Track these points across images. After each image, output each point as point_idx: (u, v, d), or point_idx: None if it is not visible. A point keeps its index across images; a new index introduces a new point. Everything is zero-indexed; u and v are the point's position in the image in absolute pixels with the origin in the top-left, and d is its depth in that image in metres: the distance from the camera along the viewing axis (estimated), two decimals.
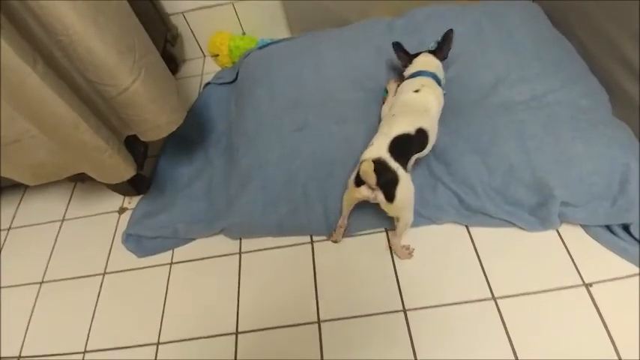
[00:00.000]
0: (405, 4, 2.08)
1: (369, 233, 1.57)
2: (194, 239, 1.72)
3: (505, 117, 1.60)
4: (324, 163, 1.65)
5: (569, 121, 1.52)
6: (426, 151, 1.45)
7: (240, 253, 1.64)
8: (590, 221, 1.41)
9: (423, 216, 1.55)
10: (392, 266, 1.48)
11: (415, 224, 1.46)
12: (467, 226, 1.52)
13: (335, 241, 1.55)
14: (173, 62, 2.47)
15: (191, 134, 2.07)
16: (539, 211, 1.46)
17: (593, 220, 1.41)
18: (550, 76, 1.68)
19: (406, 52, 1.65)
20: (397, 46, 1.64)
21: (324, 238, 1.60)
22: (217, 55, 2.41)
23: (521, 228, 1.46)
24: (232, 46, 2.34)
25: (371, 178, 1.20)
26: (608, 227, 1.40)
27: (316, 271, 1.52)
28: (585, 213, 1.41)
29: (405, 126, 1.34)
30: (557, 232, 1.45)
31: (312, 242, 1.61)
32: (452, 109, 1.64)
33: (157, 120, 1.44)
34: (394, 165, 1.25)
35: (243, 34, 2.38)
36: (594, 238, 1.40)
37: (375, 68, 1.90)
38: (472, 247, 1.47)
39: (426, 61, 1.59)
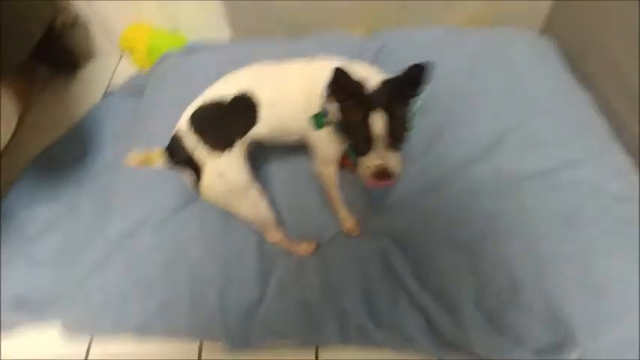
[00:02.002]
0: (383, 17, 1.60)
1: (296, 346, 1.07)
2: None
3: (503, 199, 1.11)
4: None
5: (596, 217, 1.04)
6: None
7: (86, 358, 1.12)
8: None
9: (369, 339, 1.02)
10: None
11: (357, 346, 1.04)
12: None
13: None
14: (68, 57, 1.90)
15: (65, 158, 1.51)
16: (549, 354, 0.95)
17: None
18: (569, 139, 1.21)
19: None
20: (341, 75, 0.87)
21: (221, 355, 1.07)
22: (131, 51, 1.82)
23: None
24: (152, 46, 1.76)
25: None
26: None
27: None
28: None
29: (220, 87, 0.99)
30: None
31: (200, 351, 1.09)
32: (425, 177, 1.16)
33: None
34: (191, 143, 0.93)
35: (172, 30, 1.86)
36: None
37: None
38: None
39: None
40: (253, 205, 1.04)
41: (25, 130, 1.64)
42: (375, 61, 1.50)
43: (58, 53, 1.86)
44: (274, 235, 1.12)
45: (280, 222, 1.15)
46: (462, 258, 1.05)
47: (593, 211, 1.06)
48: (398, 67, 1.41)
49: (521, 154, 1.18)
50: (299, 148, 1.14)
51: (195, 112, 0.96)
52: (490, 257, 1.03)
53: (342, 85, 0.87)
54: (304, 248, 1.14)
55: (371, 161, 0.87)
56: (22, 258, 1.24)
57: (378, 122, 0.84)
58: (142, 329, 1.07)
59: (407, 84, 0.87)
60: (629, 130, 1.26)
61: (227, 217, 1.18)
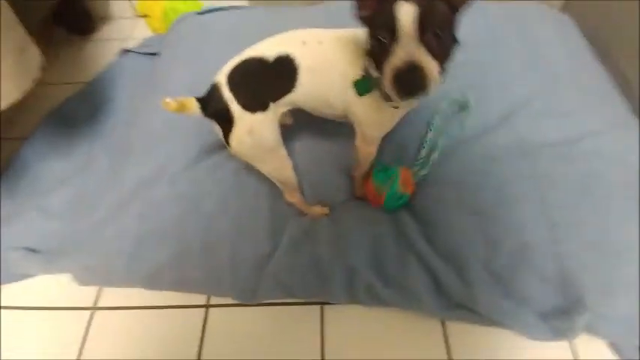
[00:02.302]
0: None
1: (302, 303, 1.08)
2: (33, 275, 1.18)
3: (521, 165, 1.09)
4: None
5: (616, 186, 1.03)
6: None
7: (94, 309, 1.12)
8: (627, 340, 0.96)
9: (377, 298, 1.01)
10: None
11: (364, 304, 1.03)
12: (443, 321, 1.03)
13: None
14: (85, 20, 1.91)
15: (79, 115, 1.51)
16: (555, 318, 0.94)
17: (631, 339, 0.95)
18: (589, 111, 1.19)
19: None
20: None
21: (229, 302, 1.08)
22: (147, 16, 1.81)
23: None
24: (168, 7, 1.76)
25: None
26: None
27: (203, 346, 1.03)
28: (621, 328, 0.96)
29: (262, 48, 0.93)
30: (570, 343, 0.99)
31: (207, 306, 1.09)
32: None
33: None
34: (227, 96, 0.90)
35: None
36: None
37: None
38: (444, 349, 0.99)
39: None
40: (279, 166, 1.03)
41: (40, 89, 1.65)
42: None
43: (76, 16, 1.87)
44: (293, 196, 1.11)
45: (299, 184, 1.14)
46: (474, 221, 1.04)
47: (611, 180, 1.04)
48: None
49: (542, 123, 1.17)
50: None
51: (234, 67, 0.93)
52: (502, 221, 1.02)
53: None
54: (318, 211, 1.14)
55: (396, 58, 0.69)
56: (35, 210, 1.24)
57: (406, 9, 0.68)
58: (154, 280, 1.08)
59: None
60: None
61: (240, 173, 1.18)
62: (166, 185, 1.17)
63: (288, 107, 0.99)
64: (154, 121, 1.29)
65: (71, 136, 1.45)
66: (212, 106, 0.91)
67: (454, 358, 0.98)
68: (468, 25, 1.38)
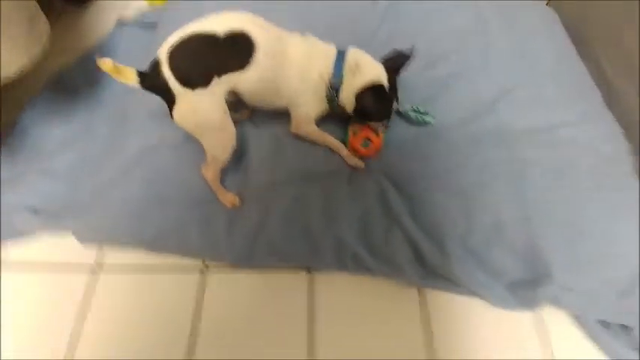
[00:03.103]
0: None
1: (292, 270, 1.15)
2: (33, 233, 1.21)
3: (501, 149, 1.17)
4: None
5: (587, 172, 1.11)
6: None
7: (94, 269, 1.16)
8: (588, 312, 1.05)
9: (363, 266, 1.09)
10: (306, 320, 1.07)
11: (351, 272, 1.11)
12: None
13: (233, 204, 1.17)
14: None
15: (78, 83, 1.52)
16: (522, 289, 1.04)
17: (592, 312, 1.05)
18: (567, 102, 1.27)
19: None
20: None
21: (226, 265, 1.15)
22: None
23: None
24: None
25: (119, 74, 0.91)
26: (604, 323, 1.04)
27: (201, 309, 1.09)
28: (584, 301, 1.05)
29: (209, 24, 0.96)
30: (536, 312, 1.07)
31: (205, 270, 1.15)
32: (427, 126, 1.20)
33: None
34: (167, 72, 0.92)
35: None
36: (584, 331, 1.05)
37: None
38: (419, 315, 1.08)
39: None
40: (221, 143, 1.07)
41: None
42: (388, 16, 1.52)
43: None
44: (213, 172, 1.13)
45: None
46: (455, 200, 1.12)
47: (584, 167, 1.13)
48: (406, 24, 1.47)
49: (523, 111, 1.25)
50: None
51: (176, 43, 0.92)
52: (480, 200, 1.11)
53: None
54: (229, 199, 1.16)
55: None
56: (37, 172, 1.27)
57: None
58: (157, 243, 1.13)
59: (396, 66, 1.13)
60: (623, 100, 1.31)
61: None
62: (170, 152, 1.21)
63: (228, 88, 1.01)
64: None
65: (70, 103, 1.46)
66: (150, 80, 0.93)
67: (432, 326, 1.06)
68: (457, 16, 1.46)
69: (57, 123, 1.42)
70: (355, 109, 1.12)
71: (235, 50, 0.96)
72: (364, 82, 1.08)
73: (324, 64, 1.10)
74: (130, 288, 1.13)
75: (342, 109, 1.16)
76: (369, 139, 1.18)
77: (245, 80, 1.01)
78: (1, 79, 1.02)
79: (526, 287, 1.03)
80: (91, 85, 1.51)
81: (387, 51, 1.32)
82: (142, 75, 0.93)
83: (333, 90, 1.11)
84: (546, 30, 1.49)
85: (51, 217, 1.18)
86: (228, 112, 1.03)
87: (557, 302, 1.05)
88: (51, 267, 1.16)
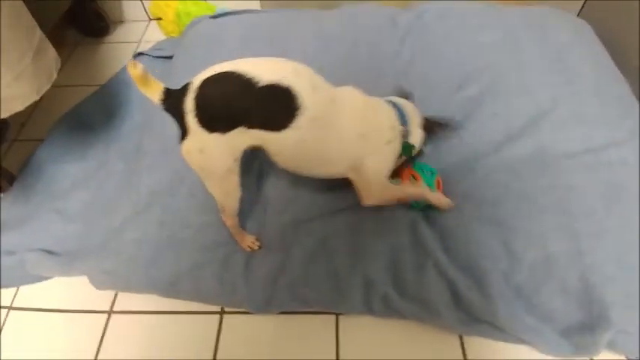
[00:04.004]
0: None
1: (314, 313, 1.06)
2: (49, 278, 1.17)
3: (544, 176, 1.06)
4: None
5: None
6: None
7: (110, 312, 1.11)
8: None
9: (394, 309, 0.99)
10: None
11: (381, 316, 1.01)
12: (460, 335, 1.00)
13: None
14: (98, 22, 1.90)
15: (94, 118, 1.50)
16: (578, 334, 0.91)
17: None
18: (613, 120, 1.16)
19: None
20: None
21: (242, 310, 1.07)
22: (160, 19, 1.80)
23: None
24: (181, 10, 1.75)
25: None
26: None
27: (217, 352, 1.02)
28: None
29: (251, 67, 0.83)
30: None
31: (222, 313, 1.08)
32: (460, 152, 1.12)
33: None
34: (189, 104, 0.82)
35: None
36: None
37: (366, 76, 1.31)
38: None
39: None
40: (223, 192, 0.97)
41: (54, 91, 1.65)
42: (409, 33, 1.46)
43: (89, 18, 1.87)
44: (227, 220, 1.05)
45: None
46: (494, 232, 1.02)
47: (636, 191, 1.01)
48: (430, 43, 1.41)
49: (564, 132, 1.13)
50: None
51: (211, 76, 0.83)
52: (524, 232, 1.00)
53: None
54: (248, 242, 1.09)
55: None
56: (50, 212, 1.24)
57: None
58: (172, 288, 1.06)
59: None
60: None
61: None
62: (186, 193, 1.15)
63: (254, 144, 0.90)
64: (168, 125, 1.28)
65: (86, 138, 1.44)
66: (173, 103, 0.84)
67: None
68: (484, 32, 1.38)
69: (72, 159, 1.40)
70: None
71: (274, 105, 0.84)
72: (421, 118, 1.06)
73: (389, 115, 1.00)
74: (145, 328, 1.07)
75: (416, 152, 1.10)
76: (413, 177, 1.10)
77: (278, 142, 0.88)
78: (9, 111, 1.00)
79: (582, 332, 0.91)
80: (108, 119, 1.49)
81: (411, 72, 1.26)
82: (168, 93, 0.85)
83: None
84: (581, 42, 1.38)
85: (65, 260, 1.13)
86: (239, 161, 0.92)
87: (612, 346, 0.93)
88: (67, 310, 1.12)
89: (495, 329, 0.94)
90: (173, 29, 1.82)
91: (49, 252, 1.16)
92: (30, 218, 1.24)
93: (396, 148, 1.01)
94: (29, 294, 1.16)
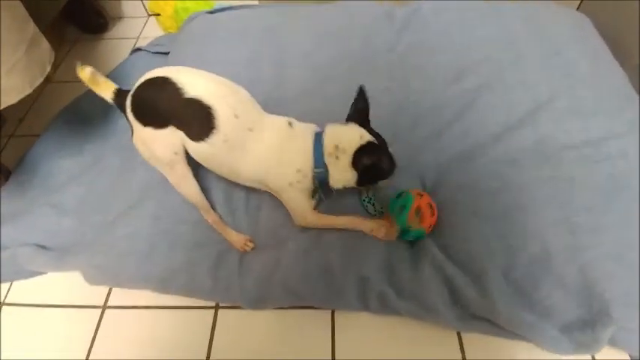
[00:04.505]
0: None
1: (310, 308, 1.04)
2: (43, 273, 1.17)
3: (543, 168, 1.03)
4: None
5: None
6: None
7: (104, 307, 1.11)
8: None
9: (390, 307, 0.97)
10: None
11: (376, 313, 0.99)
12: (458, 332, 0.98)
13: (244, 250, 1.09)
14: (97, 18, 1.91)
15: (91, 113, 1.49)
16: (578, 331, 0.89)
17: None
18: (612, 113, 1.15)
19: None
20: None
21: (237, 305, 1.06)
22: (159, 15, 1.80)
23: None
24: (179, 6, 1.74)
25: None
26: None
27: (212, 347, 1.01)
28: None
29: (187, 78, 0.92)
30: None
31: (216, 308, 1.07)
32: (457, 145, 1.10)
33: None
34: (128, 100, 0.96)
35: None
36: None
37: (361, 71, 1.31)
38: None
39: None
40: (176, 181, 1.04)
41: (51, 87, 1.66)
42: (405, 27, 1.45)
43: (87, 14, 1.87)
44: (207, 215, 1.08)
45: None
46: (492, 227, 1.00)
47: (637, 184, 0.99)
48: (426, 37, 1.40)
49: (564, 124, 1.13)
50: None
51: (149, 79, 0.94)
52: (522, 227, 0.98)
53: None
54: (240, 241, 1.07)
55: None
56: (45, 206, 1.23)
57: None
58: (165, 284, 1.05)
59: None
60: None
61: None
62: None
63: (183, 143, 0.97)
64: None
65: (82, 134, 1.44)
66: (121, 101, 0.97)
67: None
68: (481, 26, 1.37)
69: (68, 155, 1.39)
70: (360, 180, 0.99)
71: (194, 118, 0.92)
72: (351, 154, 0.95)
73: (303, 159, 0.98)
74: (140, 323, 1.07)
75: (340, 190, 1.04)
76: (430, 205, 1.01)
77: (196, 150, 0.97)
78: (3, 104, 1.01)
79: (583, 329, 0.89)
80: (105, 114, 1.48)
81: (405, 65, 1.24)
82: (118, 92, 0.98)
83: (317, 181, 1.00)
84: (579, 36, 1.38)
85: (59, 255, 1.13)
86: (181, 155, 0.99)
87: (613, 342, 0.91)
88: (60, 305, 1.11)
89: (494, 326, 0.93)
90: (171, 25, 1.82)
91: (42, 247, 1.16)
92: (24, 212, 1.24)
93: (303, 189, 1.01)
94: (23, 289, 1.15)
